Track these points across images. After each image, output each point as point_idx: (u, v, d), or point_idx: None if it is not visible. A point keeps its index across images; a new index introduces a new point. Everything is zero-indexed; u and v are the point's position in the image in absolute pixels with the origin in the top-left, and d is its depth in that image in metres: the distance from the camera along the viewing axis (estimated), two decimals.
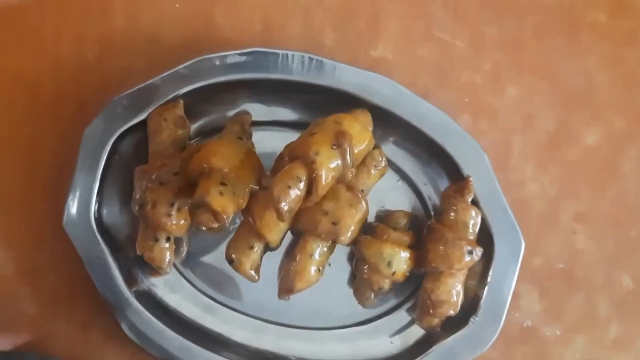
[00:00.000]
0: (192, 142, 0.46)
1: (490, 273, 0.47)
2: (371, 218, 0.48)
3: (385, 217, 0.48)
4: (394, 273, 0.45)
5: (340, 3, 0.50)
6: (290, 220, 0.44)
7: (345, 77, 0.46)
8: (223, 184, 0.42)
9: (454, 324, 0.47)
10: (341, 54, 0.50)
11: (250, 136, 0.47)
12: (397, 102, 0.46)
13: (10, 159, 0.49)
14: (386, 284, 0.46)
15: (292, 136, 0.45)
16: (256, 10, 0.50)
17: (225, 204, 0.41)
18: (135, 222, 0.47)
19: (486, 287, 0.47)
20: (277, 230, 0.44)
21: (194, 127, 0.48)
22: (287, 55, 0.46)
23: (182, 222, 0.44)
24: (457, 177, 0.47)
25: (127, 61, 0.49)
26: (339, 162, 0.42)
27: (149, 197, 0.44)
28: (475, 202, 0.46)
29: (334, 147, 0.42)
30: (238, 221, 0.47)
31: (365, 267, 0.46)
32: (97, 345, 0.49)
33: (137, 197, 0.44)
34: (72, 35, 0.49)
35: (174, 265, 0.48)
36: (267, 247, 0.45)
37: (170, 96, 0.45)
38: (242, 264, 0.44)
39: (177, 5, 0.50)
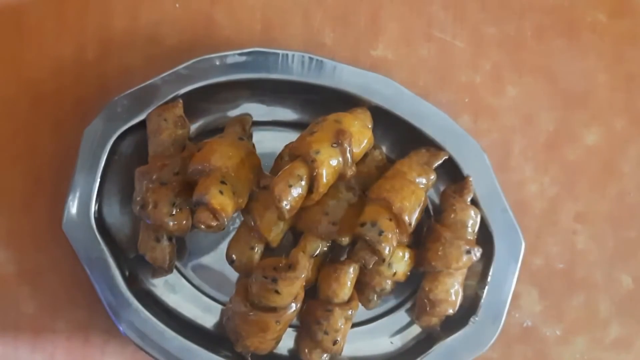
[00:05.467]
0: (192, 142, 0.46)
1: (490, 273, 0.47)
2: None
3: None
4: (394, 273, 0.45)
5: (340, 3, 0.50)
6: (290, 220, 0.44)
7: (345, 77, 0.46)
8: (223, 182, 0.42)
9: (453, 324, 0.47)
10: (341, 54, 0.50)
11: (251, 137, 0.47)
12: (397, 102, 0.46)
13: (10, 159, 0.49)
14: (388, 285, 0.46)
15: (292, 136, 0.45)
16: (256, 10, 0.50)
17: (225, 202, 0.41)
18: (136, 222, 0.47)
19: (486, 287, 0.47)
20: (277, 231, 0.44)
21: (193, 127, 0.48)
22: (287, 55, 0.46)
23: (184, 222, 0.44)
24: (457, 177, 0.47)
25: (127, 61, 0.49)
26: (340, 160, 0.42)
27: (150, 197, 0.44)
28: (475, 202, 0.46)
29: (334, 145, 0.42)
30: (238, 221, 0.47)
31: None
32: (97, 345, 0.49)
33: (138, 197, 0.44)
34: (72, 35, 0.49)
35: (174, 265, 0.48)
36: (267, 247, 0.45)
37: (170, 96, 0.45)
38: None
39: (177, 5, 0.50)
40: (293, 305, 0.43)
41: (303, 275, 0.41)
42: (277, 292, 0.41)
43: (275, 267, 0.42)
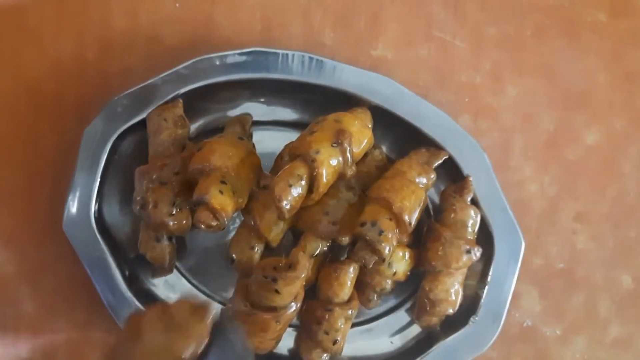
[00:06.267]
0: (192, 141, 0.46)
1: (491, 273, 0.47)
2: None
3: None
4: (395, 273, 0.45)
5: (340, 3, 0.50)
6: (290, 220, 0.44)
7: (345, 76, 0.46)
8: (223, 182, 0.42)
9: (454, 323, 0.47)
10: (341, 54, 0.50)
11: (250, 136, 0.47)
12: (397, 102, 0.46)
13: (11, 159, 0.49)
14: (388, 285, 0.46)
15: (292, 136, 0.45)
16: (256, 10, 0.50)
17: (225, 202, 0.41)
18: (136, 222, 0.47)
19: (486, 287, 0.47)
20: (277, 230, 0.44)
21: (193, 126, 0.48)
22: (287, 55, 0.46)
23: (184, 221, 0.44)
24: (457, 177, 0.47)
25: (127, 61, 0.49)
26: (339, 159, 0.42)
27: (150, 197, 0.44)
28: (475, 202, 0.46)
29: (334, 145, 0.42)
30: (238, 221, 0.47)
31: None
32: (97, 345, 0.49)
33: (139, 197, 0.44)
34: (72, 35, 0.49)
35: (174, 265, 0.47)
36: (267, 247, 0.45)
37: (170, 96, 0.45)
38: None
39: (177, 5, 0.50)
40: (293, 305, 0.43)
41: (303, 275, 0.41)
42: (277, 291, 0.41)
43: (275, 267, 0.42)
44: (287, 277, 0.41)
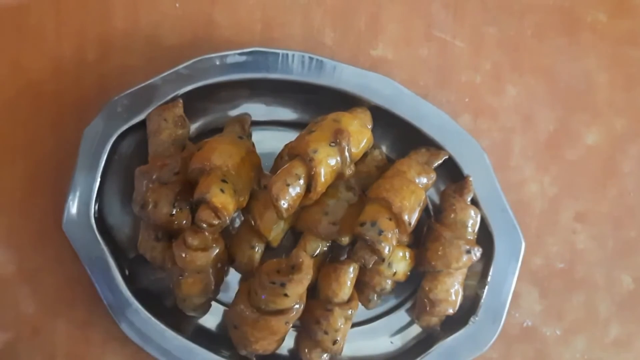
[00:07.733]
0: (192, 142, 0.46)
1: (491, 273, 0.47)
2: None
3: None
4: (394, 273, 0.45)
5: (340, 3, 0.50)
6: (291, 220, 0.44)
7: (345, 76, 0.46)
8: (224, 181, 0.42)
9: (454, 323, 0.47)
10: (341, 54, 0.50)
11: (250, 136, 0.47)
12: (397, 102, 0.46)
13: (11, 159, 0.49)
14: (388, 285, 0.46)
15: (291, 136, 0.45)
16: (256, 10, 0.50)
17: (226, 200, 0.41)
18: (136, 222, 0.47)
19: (486, 287, 0.47)
20: (277, 230, 0.44)
21: (193, 126, 0.48)
22: (287, 55, 0.46)
23: (184, 221, 0.44)
24: (457, 177, 0.47)
25: (127, 61, 0.49)
26: (338, 159, 0.42)
27: (150, 197, 0.44)
28: (475, 202, 0.46)
29: (332, 144, 0.42)
30: (238, 221, 0.47)
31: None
32: (97, 345, 0.49)
33: (138, 197, 0.44)
34: (72, 35, 0.49)
35: None
36: (268, 247, 0.45)
37: (170, 96, 0.45)
38: None
39: (177, 5, 0.50)
40: (299, 304, 0.43)
41: (309, 276, 0.41)
42: (286, 295, 0.41)
43: (278, 270, 0.41)
44: (295, 280, 0.41)
